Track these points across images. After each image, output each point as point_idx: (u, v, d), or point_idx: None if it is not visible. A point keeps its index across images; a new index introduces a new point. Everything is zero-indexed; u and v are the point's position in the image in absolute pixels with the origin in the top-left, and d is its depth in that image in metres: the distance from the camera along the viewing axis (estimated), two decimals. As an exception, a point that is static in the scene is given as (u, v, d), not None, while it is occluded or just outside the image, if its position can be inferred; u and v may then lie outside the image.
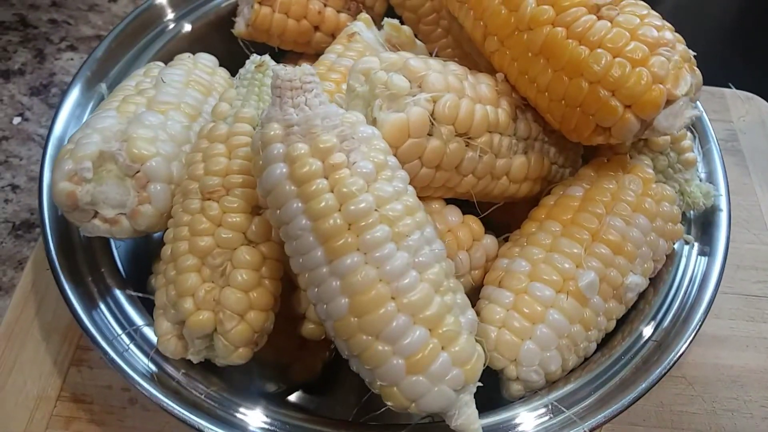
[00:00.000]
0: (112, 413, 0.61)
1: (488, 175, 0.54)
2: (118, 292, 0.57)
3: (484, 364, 0.45)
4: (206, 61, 0.67)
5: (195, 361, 0.51)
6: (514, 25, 0.52)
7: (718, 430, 0.63)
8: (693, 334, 0.54)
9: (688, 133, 0.63)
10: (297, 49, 0.73)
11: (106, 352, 0.52)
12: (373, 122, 0.48)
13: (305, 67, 0.45)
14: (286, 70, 0.44)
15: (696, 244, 0.60)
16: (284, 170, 0.43)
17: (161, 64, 0.66)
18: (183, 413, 0.49)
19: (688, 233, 0.61)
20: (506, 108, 0.54)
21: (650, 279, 0.57)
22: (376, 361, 0.42)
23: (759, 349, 0.67)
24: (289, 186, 0.43)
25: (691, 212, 0.62)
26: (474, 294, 0.54)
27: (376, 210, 0.42)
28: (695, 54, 0.50)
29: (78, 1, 0.99)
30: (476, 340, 0.45)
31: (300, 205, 0.42)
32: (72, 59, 0.92)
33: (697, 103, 0.52)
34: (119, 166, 0.52)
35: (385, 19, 0.63)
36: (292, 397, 0.62)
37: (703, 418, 0.63)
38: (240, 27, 0.72)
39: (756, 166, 0.81)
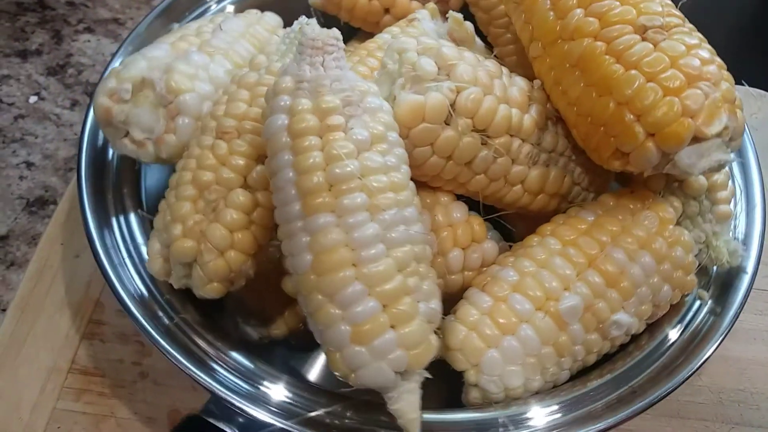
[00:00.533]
0: (123, 386, 0.62)
1: (502, 178, 0.53)
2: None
3: (435, 357, 0.44)
4: (270, 19, 0.69)
5: (175, 287, 0.52)
6: (558, 33, 0.51)
7: (724, 420, 0.63)
8: (671, 388, 0.51)
9: (731, 185, 0.59)
10: (365, 28, 0.74)
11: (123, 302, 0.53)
12: (393, 99, 0.48)
13: (332, 30, 0.46)
14: (313, 30, 0.45)
15: (709, 302, 0.56)
16: (284, 121, 0.44)
17: (231, 13, 0.69)
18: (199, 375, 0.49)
19: (706, 289, 0.57)
20: (535, 115, 0.52)
21: (648, 324, 0.54)
22: (326, 322, 0.42)
23: (766, 342, 0.67)
24: (285, 137, 0.44)
25: (714, 268, 0.58)
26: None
27: (359, 178, 0.42)
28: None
29: (96, -17, 0.99)
30: (436, 333, 0.44)
31: (290, 157, 0.43)
32: (89, 41, 0.93)
33: (732, 153, 0.48)
34: (156, 94, 0.55)
35: (450, 12, 0.63)
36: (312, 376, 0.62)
37: (710, 408, 0.64)
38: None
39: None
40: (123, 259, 0.56)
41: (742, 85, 0.88)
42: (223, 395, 0.48)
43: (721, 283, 0.57)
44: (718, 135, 0.46)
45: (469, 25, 0.63)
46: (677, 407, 0.63)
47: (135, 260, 0.56)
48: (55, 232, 0.71)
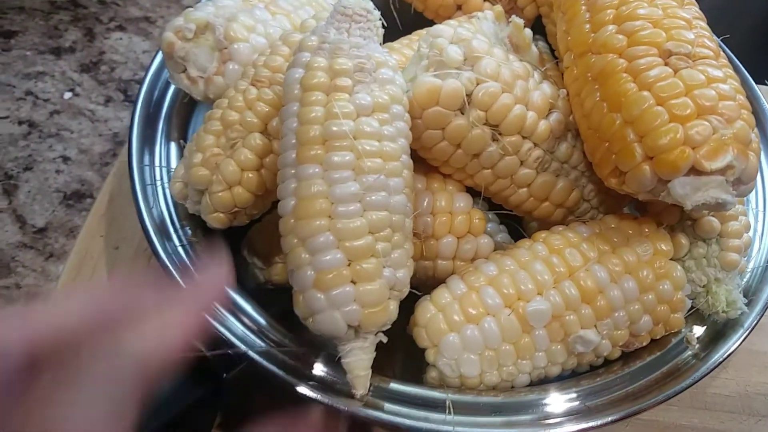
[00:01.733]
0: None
1: (508, 177, 0.54)
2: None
3: (389, 322, 0.46)
4: None
5: (190, 211, 0.57)
6: (589, 46, 0.51)
7: (751, 412, 0.64)
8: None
9: (746, 235, 0.57)
10: (437, 20, 0.75)
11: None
12: (413, 79, 0.50)
13: (370, 5, 0.49)
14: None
15: (697, 347, 0.55)
16: (300, 74, 0.47)
17: None
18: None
19: (698, 335, 0.56)
20: (553, 123, 0.53)
21: (624, 351, 0.54)
22: (295, 264, 0.45)
23: (794, 336, 0.67)
24: (297, 89, 0.47)
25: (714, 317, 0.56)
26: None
27: (352, 138, 0.45)
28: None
29: (127, -17, 1.02)
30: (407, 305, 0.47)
31: (297, 107, 0.47)
32: (120, 38, 0.96)
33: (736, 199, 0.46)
34: (215, 38, 0.60)
35: (513, 16, 0.64)
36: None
37: (737, 401, 0.65)
38: None
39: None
40: (155, 180, 0.61)
41: (765, 84, 0.90)
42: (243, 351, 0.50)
43: (715, 331, 0.56)
44: (721, 172, 0.45)
45: (528, 32, 0.63)
46: (704, 399, 0.64)
47: (164, 185, 0.61)
48: (94, 224, 0.74)
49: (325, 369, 0.50)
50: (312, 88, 0.46)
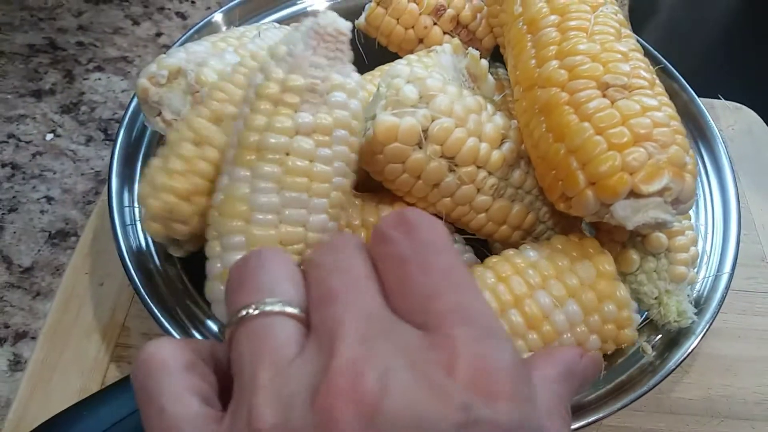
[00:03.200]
0: (150, 405, 0.66)
1: (467, 204, 0.57)
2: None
3: None
4: None
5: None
6: (535, 80, 0.55)
7: (714, 414, 0.66)
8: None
9: (693, 249, 0.60)
10: (400, 53, 0.79)
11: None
12: (373, 117, 0.54)
13: (342, 25, 0.50)
14: (326, 17, 0.49)
15: (653, 355, 0.58)
16: (260, 80, 0.50)
17: (277, 25, 0.77)
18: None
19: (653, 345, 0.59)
20: (506, 152, 0.56)
21: None
22: (210, 254, 0.49)
23: (749, 339, 0.73)
24: (252, 93, 0.50)
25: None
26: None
27: (286, 154, 0.47)
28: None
29: (103, 24, 1.06)
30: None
31: (247, 111, 0.49)
32: (99, 79, 0.99)
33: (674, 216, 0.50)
34: (186, 83, 0.63)
35: (469, 48, 0.69)
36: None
37: (700, 404, 0.67)
38: (361, 20, 0.80)
39: (744, 171, 0.89)
40: (134, 219, 0.64)
41: (719, 98, 0.94)
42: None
43: (669, 339, 0.59)
44: (658, 194, 0.48)
45: (484, 63, 0.68)
46: (669, 404, 0.67)
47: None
48: (79, 262, 0.77)
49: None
50: (263, 96, 0.49)
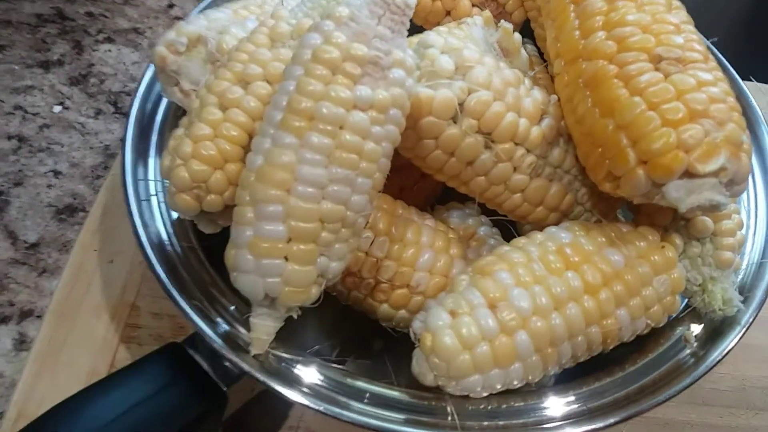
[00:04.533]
0: (161, 388, 0.63)
1: (502, 184, 0.55)
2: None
3: (306, 303, 0.47)
4: None
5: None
6: (579, 52, 0.52)
7: (748, 406, 0.65)
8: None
9: (739, 233, 0.58)
10: (426, 26, 0.75)
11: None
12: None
13: (412, 1, 0.47)
14: None
15: (695, 345, 0.56)
16: (316, 41, 0.46)
17: None
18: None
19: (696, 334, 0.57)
20: (545, 129, 0.54)
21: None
22: (239, 220, 0.46)
23: (789, 331, 0.68)
24: (307, 55, 0.46)
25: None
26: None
27: (339, 127, 0.45)
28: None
29: (114, -6, 1.01)
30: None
31: (300, 72, 0.46)
32: (110, 50, 0.96)
33: (728, 197, 0.47)
34: (207, 51, 0.60)
35: (502, 21, 0.65)
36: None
37: (734, 395, 0.66)
38: None
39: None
40: (149, 194, 0.61)
41: (750, 80, 0.91)
42: (205, 333, 0.51)
43: (713, 329, 0.57)
44: (714, 174, 0.45)
45: (517, 36, 0.64)
46: (701, 394, 0.66)
47: (158, 198, 0.61)
48: (87, 238, 0.74)
49: (320, 378, 0.51)
50: (321, 61, 0.45)
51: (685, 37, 0.49)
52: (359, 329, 0.62)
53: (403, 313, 0.57)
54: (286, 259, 0.45)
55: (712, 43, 0.59)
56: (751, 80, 0.91)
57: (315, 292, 0.47)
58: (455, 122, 0.51)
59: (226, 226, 0.55)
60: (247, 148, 0.51)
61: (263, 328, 0.48)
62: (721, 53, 0.74)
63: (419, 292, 0.56)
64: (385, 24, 0.47)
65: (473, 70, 0.51)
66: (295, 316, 0.49)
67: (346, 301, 0.58)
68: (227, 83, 0.53)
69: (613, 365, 0.54)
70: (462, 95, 0.50)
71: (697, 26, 0.53)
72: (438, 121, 0.50)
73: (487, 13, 0.69)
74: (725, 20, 1.13)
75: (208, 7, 0.73)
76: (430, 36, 0.54)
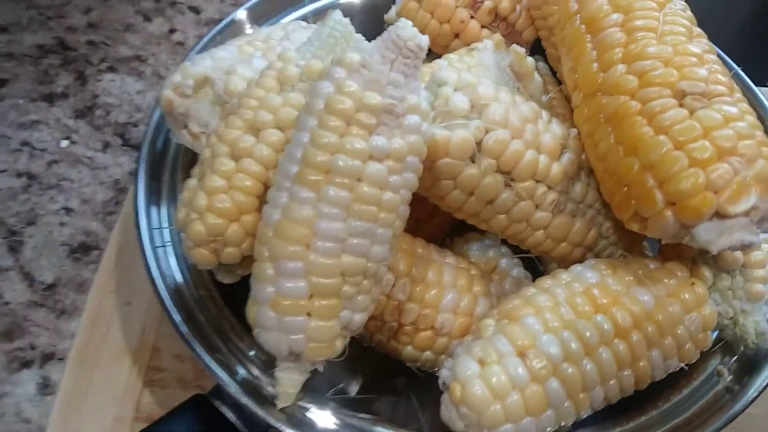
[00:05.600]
0: (188, 432, 0.63)
1: (524, 221, 0.53)
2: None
3: (331, 357, 0.47)
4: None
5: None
6: (599, 86, 0.51)
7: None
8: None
9: None
10: (435, 50, 0.74)
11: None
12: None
13: (422, 38, 0.46)
14: (405, 28, 0.46)
15: (729, 378, 0.55)
16: (329, 90, 0.45)
17: (304, 23, 0.72)
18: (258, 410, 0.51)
19: (729, 367, 0.56)
20: (565, 164, 0.52)
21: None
22: (260, 276, 0.46)
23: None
24: (320, 104, 0.45)
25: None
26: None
27: (357, 180, 0.44)
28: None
29: (114, 21, 1.01)
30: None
31: (314, 124, 0.45)
32: (113, 80, 0.94)
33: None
34: (214, 93, 0.59)
35: (514, 45, 0.64)
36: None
37: (766, 420, 0.64)
38: (392, 14, 0.75)
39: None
40: (164, 239, 0.60)
41: (766, 86, 0.88)
42: (227, 386, 0.51)
43: (748, 362, 0.55)
44: (745, 214, 0.44)
45: (530, 60, 0.64)
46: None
47: (174, 245, 0.60)
48: (104, 280, 0.74)
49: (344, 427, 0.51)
50: (334, 112, 0.44)
51: (708, 68, 0.47)
52: (382, 366, 0.61)
53: (428, 354, 0.56)
54: (309, 315, 0.44)
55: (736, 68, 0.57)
56: (767, 86, 0.89)
57: (339, 345, 0.47)
58: (473, 162, 0.49)
59: (245, 275, 0.54)
60: (261, 198, 0.51)
61: (289, 382, 0.48)
62: (733, 61, 0.72)
63: (444, 334, 0.55)
64: (398, 69, 0.46)
65: (489, 107, 0.49)
66: (321, 369, 0.48)
67: (369, 343, 0.57)
68: (238, 131, 0.52)
69: (646, 402, 0.53)
70: (479, 134, 0.49)
71: (704, 29, 0.51)
72: (455, 162, 0.49)
73: (498, 36, 0.68)
74: (732, 23, 1.11)
75: (211, 40, 0.72)
76: (443, 72, 0.52)
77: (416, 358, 0.57)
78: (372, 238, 0.45)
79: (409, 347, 0.56)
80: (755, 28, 1.10)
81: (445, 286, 0.55)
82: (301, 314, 0.44)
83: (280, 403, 0.49)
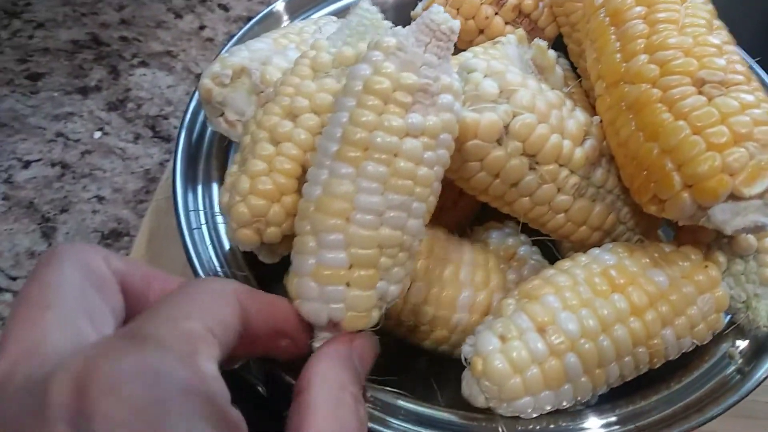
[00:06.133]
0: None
1: (546, 204, 0.55)
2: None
3: (367, 327, 0.47)
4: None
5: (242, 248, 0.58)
6: (621, 75, 0.53)
7: (794, 417, 0.64)
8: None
9: None
10: (459, 45, 0.76)
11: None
12: None
13: (453, 22, 0.48)
14: (438, 12, 0.48)
15: (740, 361, 0.56)
16: (366, 72, 0.47)
17: (335, 18, 0.75)
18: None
19: (741, 351, 0.57)
20: (588, 150, 0.54)
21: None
22: (301, 249, 0.47)
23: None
24: (359, 86, 0.47)
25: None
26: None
27: (394, 155, 0.46)
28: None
29: (146, 18, 1.04)
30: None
31: (353, 104, 0.47)
32: (144, 74, 0.97)
33: None
34: (251, 82, 0.62)
35: (536, 39, 0.66)
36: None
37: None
38: (418, 10, 0.78)
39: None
40: (200, 222, 0.63)
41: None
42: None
43: (758, 345, 0.57)
44: (759, 196, 0.46)
45: (551, 53, 0.66)
46: (745, 406, 0.63)
47: (209, 225, 0.63)
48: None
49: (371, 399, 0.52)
50: (372, 92, 0.46)
51: (727, 58, 0.50)
52: (402, 348, 0.62)
53: (444, 347, 0.59)
54: (348, 285, 0.46)
55: (752, 62, 0.59)
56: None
57: (375, 315, 0.48)
58: (500, 144, 0.52)
59: (285, 255, 0.56)
60: (300, 180, 0.53)
61: None
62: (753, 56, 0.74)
63: (460, 331, 0.57)
64: (432, 51, 0.48)
65: (517, 93, 0.51)
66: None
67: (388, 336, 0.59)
68: (277, 118, 0.54)
69: (659, 382, 0.55)
70: (507, 118, 0.51)
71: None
72: (483, 143, 0.51)
73: (521, 31, 0.71)
74: (750, 22, 1.12)
75: (244, 36, 0.75)
76: (472, 60, 0.54)
77: (434, 350, 0.59)
78: (408, 211, 0.47)
79: (427, 341, 0.59)
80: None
81: (461, 285, 0.57)
82: (341, 284, 0.46)
83: None
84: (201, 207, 0.63)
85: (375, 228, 0.46)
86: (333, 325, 0.47)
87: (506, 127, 0.51)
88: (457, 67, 0.54)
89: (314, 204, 0.47)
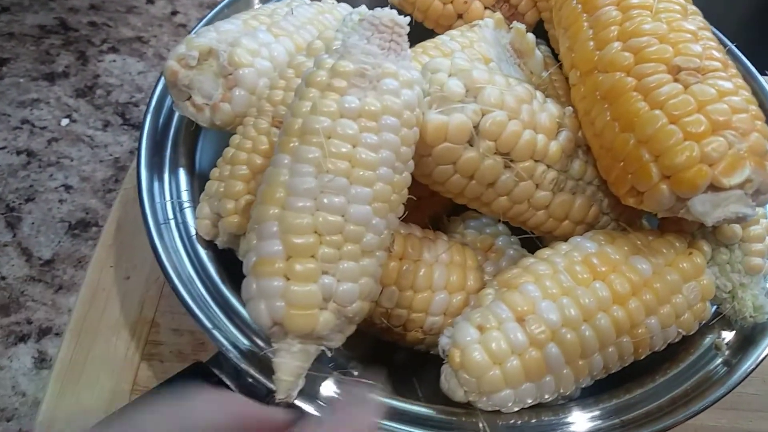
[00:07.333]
0: (185, 404, 0.63)
1: (525, 202, 0.54)
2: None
3: (315, 333, 0.45)
4: (342, 9, 0.74)
5: (220, 247, 0.59)
6: (595, 64, 0.51)
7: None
8: None
9: None
10: (437, 30, 0.75)
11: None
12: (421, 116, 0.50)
13: (397, 16, 0.48)
14: (384, 11, 0.48)
15: (727, 353, 0.55)
16: (310, 71, 0.48)
17: (308, 1, 0.73)
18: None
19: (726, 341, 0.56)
20: (563, 142, 0.53)
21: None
22: (245, 247, 0.46)
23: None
24: (304, 84, 0.48)
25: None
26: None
27: (327, 137, 0.44)
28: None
29: (116, 3, 1.02)
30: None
31: (296, 100, 0.47)
32: (114, 60, 0.95)
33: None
34: (219, 64, 0.60)
35: (514, 22, 0.65)
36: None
37: (763, 399, 0.65)
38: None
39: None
40: (167, 214, 0.60)
41: (765, 75, 0.90)
42: (228, 351, 0.51)
43: (744, 336, 0.56)
44: (740, 186, 0.45)
45: (530, 37, 0.64)
46: (731, 399, 0.62)
47: (177, 218, 0.61)
48: (103, 254, 0.74)
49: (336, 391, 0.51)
50: (311, 84, 0.46)
51: (703, 44, 0.48)
52: (380, 342, 0.61)
53: (420, 347, 0.58)
54: (287, 278, 0.43)
55: (731, 45, 0.58)
56: (766, 74, 0.90)
57: (324, 320, 0.44)
58: (472, 145, 0.50)
59: None
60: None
61: (283, 366, 0.45)
62: (737, 47, 0.73)
63: (433, 334, 0.55)
64: (374, 43, 0.48)
65: (484, 90, 0.50)
66: (314, 354, 0.46)
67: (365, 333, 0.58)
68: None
69: (644, 375, 0.54)
70: (476, 118, 0.49)
71: (707, 18, 0.52)
72: (454, 146, 0.49)
73: (499, 15, 0.69)
74: (737, 11, 1.11)
75: (215, 17, 0.72)
76: (436, 60, 0.52)
77: (410, 348, 0.58)
78: (345, 194, 0.45)
79: (401, 342, 0.57)
80: (763, 15, 1.11)
81: (435, 289, 0.55)
82: (279, 276, 0.43)
83: (279, 394, 0.46)
84: (168, 196, 0.61)
85: (310, 213, 0.44)
86: (278, 327, 0.44)
87: (476, 127, 0.49)
88: (422, 68, 0.52)
89: (258, 198, 0.46)
